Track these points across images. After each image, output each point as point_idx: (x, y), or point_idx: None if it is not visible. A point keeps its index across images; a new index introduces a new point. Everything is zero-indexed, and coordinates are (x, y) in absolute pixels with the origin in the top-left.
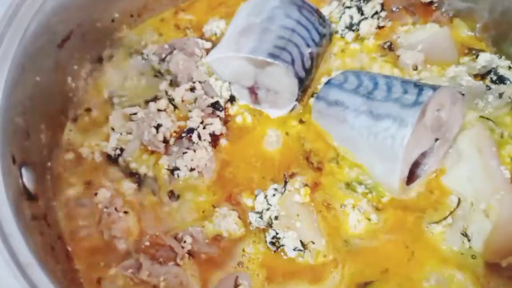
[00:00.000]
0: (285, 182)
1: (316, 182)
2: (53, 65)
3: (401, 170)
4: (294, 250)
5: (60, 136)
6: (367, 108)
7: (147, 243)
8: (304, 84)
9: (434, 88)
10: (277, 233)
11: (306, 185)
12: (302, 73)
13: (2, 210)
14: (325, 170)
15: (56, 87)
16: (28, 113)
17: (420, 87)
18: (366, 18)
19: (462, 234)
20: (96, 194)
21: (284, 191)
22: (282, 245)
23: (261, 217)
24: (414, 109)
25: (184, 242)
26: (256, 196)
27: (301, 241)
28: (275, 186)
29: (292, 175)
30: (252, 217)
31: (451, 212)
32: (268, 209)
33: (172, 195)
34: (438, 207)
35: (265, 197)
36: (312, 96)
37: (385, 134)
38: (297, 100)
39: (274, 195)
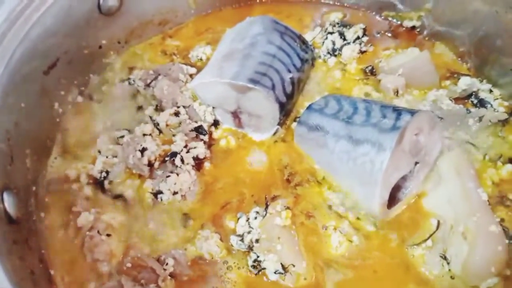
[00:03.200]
0: (266, 205)
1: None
2: (39, 91)
3: (381, 194)
4: (275, 273)
5: (45, 160)
6: (346, 133)
7: (129, 265)
8: (285, 109)
9: (412, 112)
10: (258, 256)
11: (287, 207)
12: (283, 98)
13: None
14: (306, 190)
15: (42, 112)
16: (13, 138)
17: (398, 111)
18: (348, 43)
19: (441, 257)
20: (78, 217)
21: (266, 214)
22: (263, 268)
23: (242, 240)
24: (392, 134)
25: (166, 264)
26: (238, 219)
27: (282, 264)
28: (257, 209)
29: (274, 198)
30: (234, 240)
31: (430, 235)
32: (249, 232)
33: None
34: (419, 230)
35: (247, 220)
36: (294, 120)
37: (364, 158)
38: (279, 124)
39: (255, 218)
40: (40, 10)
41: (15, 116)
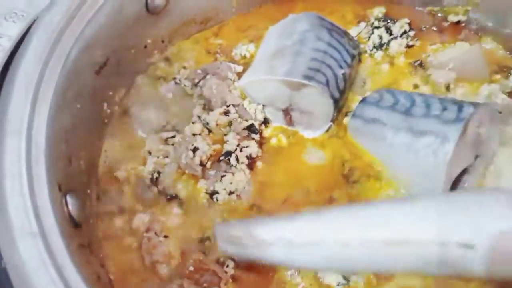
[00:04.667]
0: None
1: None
2: (92, 91)
3: (444, 186)
4: (337, 285)
5: (97, 162)
6: (406, 125)
7: (191, 268)
8: (338, 105)
9: (474, 104)
10: None
11: None
12: (336, 94)
13: (54, 241)
14: (365, 186)
15: (93, 113)
16: (70, 140)
17: (459, 104)
18: (395, 38)
19: None
20: (133, 219)
21: None
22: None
23: None
24: (456, 125)
25: (227, 266)
26: None
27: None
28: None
29: (331, 200)
30: None
31: None
32: None
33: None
34: None
35: None
36: (346, 115)
37: (427, 150)
38: (332, 120)
39: None
40: (93, 9)
41: (72, 117)
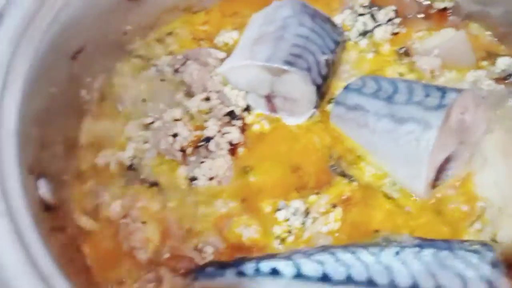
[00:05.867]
0: (307, 213)
1: (348, 197)
2: (67, 77)
3: (427, 173)
4: None
5: (74, 148)
6: (388, 112)
7: (167, 255)
8: (321, 91)
9: (458, 90)
10: None
11: (334, 205)
12: (319, 80)
13: (23, 220)
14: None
15: (70, 99)
16: (44, 125)
17: (442, 90)
18: (380, 25)
19: (492, 240)
20: (111, 204)
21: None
22: None
23: (282, 241)
24: (439, 111)
25: (205, 252)
26: (277, 209)
27: None
28: (297, 203)
29: (317, 191)
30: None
31: (478, 217)
32: (289, 232)
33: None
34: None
35: (286, 219)
36: (329, 102)
37: (409, 137)
38: (315, 107)
39: (294, 214)
40: None
41: (46, 102)
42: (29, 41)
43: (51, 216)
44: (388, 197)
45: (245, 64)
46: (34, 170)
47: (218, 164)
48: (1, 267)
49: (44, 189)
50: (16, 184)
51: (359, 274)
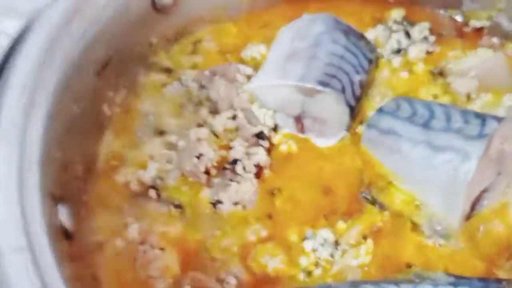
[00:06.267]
0: (337, 244)
1: (379, 228)
2: (91, 93)
3: (463, 205)
4: None
5: (94, 166)
6: (425, 138)
7: (188, 287)
8: (354, 112)
9: (498, 119)
10: None
11: (364, 237)
12: (352, 102)
13: (42, 256)
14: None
15: (92, 116)
16: (66, 145)
17: (482, 117)
18: (414, 43)
19: None
20: (129, 229)
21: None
22: None
23: (309, 274)
24: (479, 141)
25: (228, 283)
26: (304, 238)
27: None
28: (325, 233)
29: (347, 218)
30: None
31: None
32: (316, 266)
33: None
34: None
35: (313, 249)
36: (360, 123)
37: (446, 167)
38: (346, 129)
39: (323, 245)
40: (97, 6)
41: (69, 121)
42: (55, 59)
43: (70, 245)
44: (418, 229)
45: (276, 83)
46: (55, 195)
47: (245, 188)
48: None
49: (64, 215)
50: (38, 214)
51: None
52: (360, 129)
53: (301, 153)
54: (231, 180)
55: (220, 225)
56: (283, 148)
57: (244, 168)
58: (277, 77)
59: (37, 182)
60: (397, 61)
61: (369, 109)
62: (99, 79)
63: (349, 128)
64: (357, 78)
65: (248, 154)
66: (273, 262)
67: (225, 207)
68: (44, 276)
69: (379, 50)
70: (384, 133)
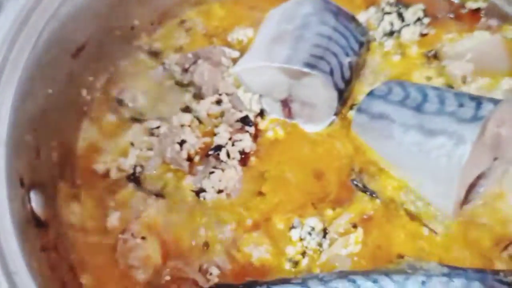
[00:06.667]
0: (325, 232)
1: (369, 216)
2: (67, 76)
3: (457, 192)
4: None
5: (72, 153)
6: (417, 122)
7: (168, 278)
8: (343, 96)
9: (495, 101)
10: None
11: (354, 225)
12: (341, 85)
13: (8, 243)
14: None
15: (69, 100)
16: (40, 129)
17: (477, 100)
18: (407, 25)
19: None
20: (109, 217)
21: (324, 236)
22: None
23: (296, 264)
24: (473, 125)
25: (210, 274)
26: (291, 227)
27: None
28: (314, 221)
29: (336, 206)
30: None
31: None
32: (304, 254)
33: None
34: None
35: (301, 238)
36: (351, 108)
37: (439, 152)
38: (335, 114)
39: (310, 233)
40: None
41: (42, 104)
42: (25, 39)
43: (42, 233)
44: (411, 216)
45: (261, 66)
46: (25, 181)
47: (229, 175)
48: None
49: (36, 202)
50: (3, 200)
51: None
52: (351, 114)
53: (288, 139)
54: (215, 167)
55: (203, 214)
56: (270, 134)
57: (228, 155)
58: (263, 59)
59: (3, 165)
60: (389, 43)
61: (360, 93)
62: (76, 62)
63: (338, 113)
64: (346, 60)
65: (232, 140)
66: (258, 252)
67: (209, 196)
68: (8, 265)
69: (371, 33)
70: (375, 118)
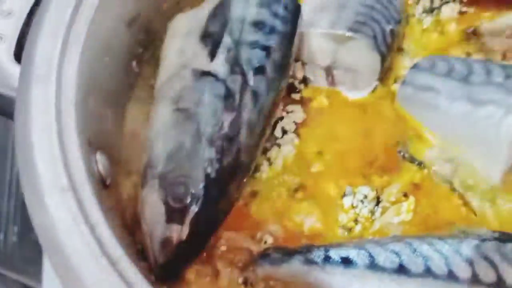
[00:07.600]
0: (378, 200)
1: (418, 185)
2: (121, 44)
3: (505, 161)
4: None
5: (121, 123)
6: (464, 93)
7: (223, 248)
8: (385, 61)
9: None
10: None
11: (405, 194)
12: (384, 49)
13: (86, 197)
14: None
15: (122, 70)
16: (98, 94)
17: None
18: (447, 2)
19: None
20: None
21: (377, 206)
22: None
23: (349, 231)
24: None
25: (265, 242)
26: (343, 195)
27: None
28: (366, 189)
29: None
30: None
31: None
32: (356, 222)
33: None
34: None
35: (353, 205)
36: (395, 81)
37: (487, 122)
38: (378, 79)
39: (362, 201)
40: None
41: (100, 71)
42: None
43: (108, 195)
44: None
45: (305, 32)
46: (92, 143)
47: (286, 149)
48: (66, 248)
49: (102, 165)
50: (78, 157)
51: (439, 267)
52: (394, 87)
53: (333, 107)
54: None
55: (255, 185)
56: (314, 103)
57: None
58: (306, 27)
59: (74, 125)
60: (428, 20)
61: (401, 68)
62: (129, 31)
63: (381, 80)
64: (388, 27)
65: (285, 110)
66: (309, 221)
67: (264, 168)
68: (88, 216)
69: (410, 9)
70: (420, 90)
